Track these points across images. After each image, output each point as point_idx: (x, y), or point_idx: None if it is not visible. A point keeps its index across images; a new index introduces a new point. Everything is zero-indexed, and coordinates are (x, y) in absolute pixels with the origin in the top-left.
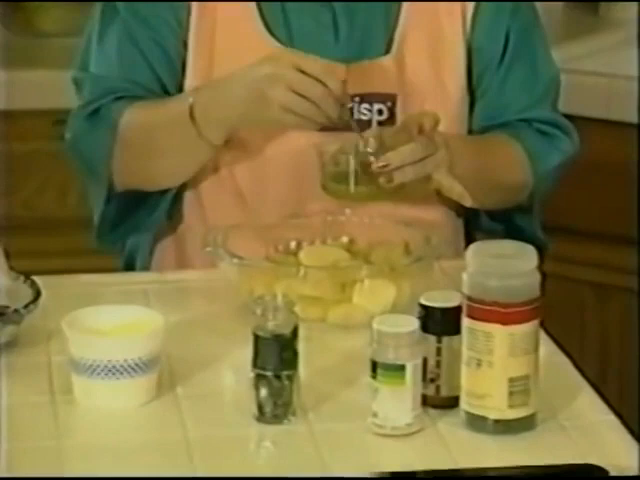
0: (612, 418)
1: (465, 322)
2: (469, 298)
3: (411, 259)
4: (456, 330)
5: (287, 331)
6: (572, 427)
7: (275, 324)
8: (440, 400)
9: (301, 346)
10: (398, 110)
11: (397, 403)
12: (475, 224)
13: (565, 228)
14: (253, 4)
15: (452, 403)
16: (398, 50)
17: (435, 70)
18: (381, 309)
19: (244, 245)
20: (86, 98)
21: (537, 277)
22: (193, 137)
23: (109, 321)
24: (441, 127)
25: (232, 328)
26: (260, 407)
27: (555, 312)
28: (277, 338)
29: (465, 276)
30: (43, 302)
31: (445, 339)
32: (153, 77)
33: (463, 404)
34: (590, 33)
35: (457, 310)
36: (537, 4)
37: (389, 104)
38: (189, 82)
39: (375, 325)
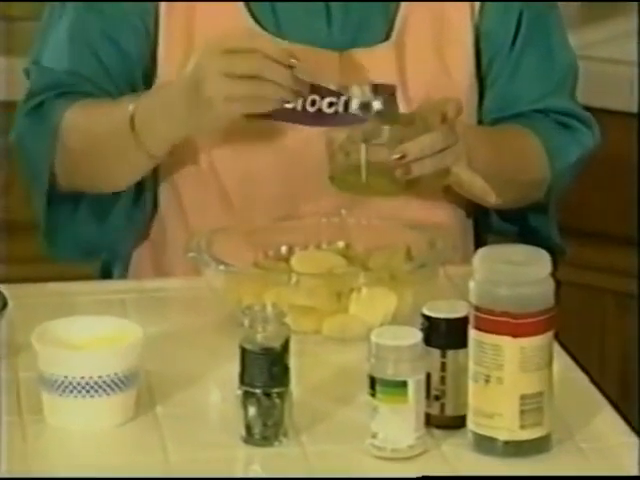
0: (634, 440)
1: (472, 334)
2: (477, 308)
3: (413, 265)
4: (462, 343)
5: (277, 344)
6: (590, 449)
7: (264, 336)
8: (445, 420)
9: (293, 361)
10: (399, 100)
11: (398, 423)
12: (485, 225)
13: (582, 231)
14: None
15: (458, 423)
16: (398, 37)
17: (440, 58)
18: (380, 320)
19: (231, 250)
20: (30, 90)
21: (551, 285)
22: (133, 148)
23: (83, 334)
24: None
25: (217, 341)
26: (248, 428)
27: (572, 323)
28: (267, 352)
29: (472, 284)
30: (10, 313)
31: (450, 353)
32: (103, 72)
33: (470, 424)
34: (608, 18)
35: (463, 321)
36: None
37: (387, 95)
38: (166, 79)
39: (374, 338)
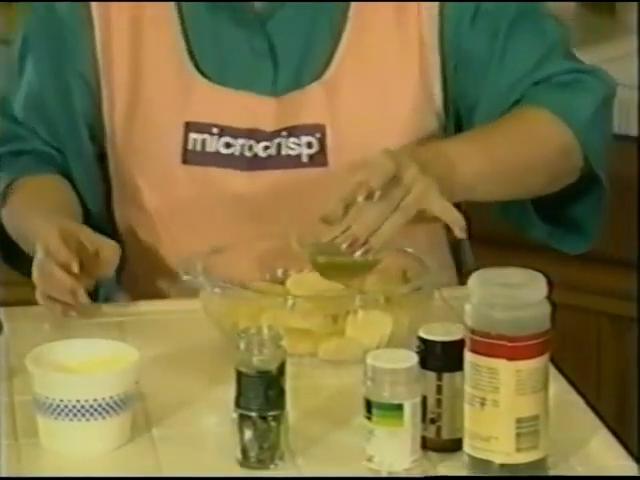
0: (630, 464)
1: (468, 357)
2: (472, 331)
3: (409, 288)
4: (458, 366)
5: (273, 367)
6: (586, 473)
7: (260, 359)
8: (441, 443)
9: (289, 384)
10: (329, 141)
11: (394, 446)
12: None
13: (579, 254)
14: (180, 38)
15: (454, 446)
16: (332, 76)
17: (378, 95)
18: (376, 343)
19: (228, 271)
20: None
21: (547, 308)
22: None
23: (78, 357)
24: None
25: (213, 364)
26: (244, 451)
27: (568, 346)
28: (262, 375)
29: (468, 306)
30: (5, 336)
31: (446, 376)
32: (51, 131)
33: (466, 447)
34: (606, 39)
35: (459, 344)
36: (547, 4)
37: (318, 135)
38: (117, 128)
39: (370, 360)
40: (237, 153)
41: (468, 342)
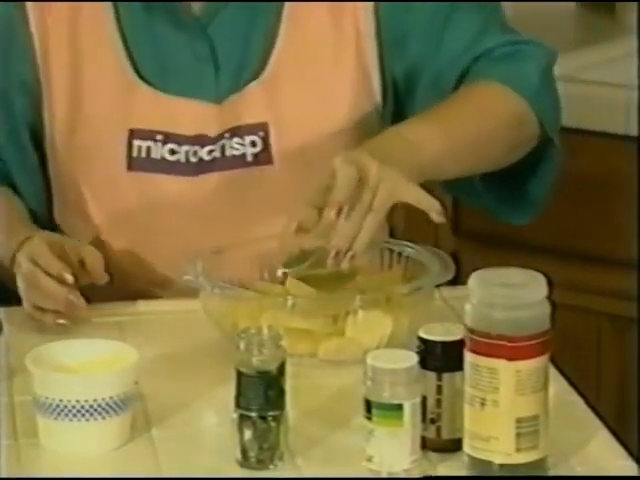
0: (631, 464)
1: (468, 357)
2: (472, 331)
3: (409, 288)
4: (458, 366)
5: (273, 367)
6: (586, 473)
7: (260, 360)
8: (441, 443)
9: (289, 384)
10: (272, 139)
11: (394, 446)
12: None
13: (579, 254)
14: (119, 44)
15: (454, 446)
16: (270, 75)
17: (317, 88)
18: (376, 343)
19: (228, 271)
20: None
21: (547, 308)
22: (9, 272)
23: (78, 357)
24: (329, 148)
25: (213, 364)
26: (244, 451)
27: (568, 346)
28: (262, 375)
29: (468, 307)
30: (5, 336)
31: (446, 376)
32: None
33: (466, 447)
34: (606, 39)
35: (459, 344)
36: (548, 5)
37: (261, 134)
38: (58, 135)
39: (369, 360)
40: (182, 159)
41: (468, 342)
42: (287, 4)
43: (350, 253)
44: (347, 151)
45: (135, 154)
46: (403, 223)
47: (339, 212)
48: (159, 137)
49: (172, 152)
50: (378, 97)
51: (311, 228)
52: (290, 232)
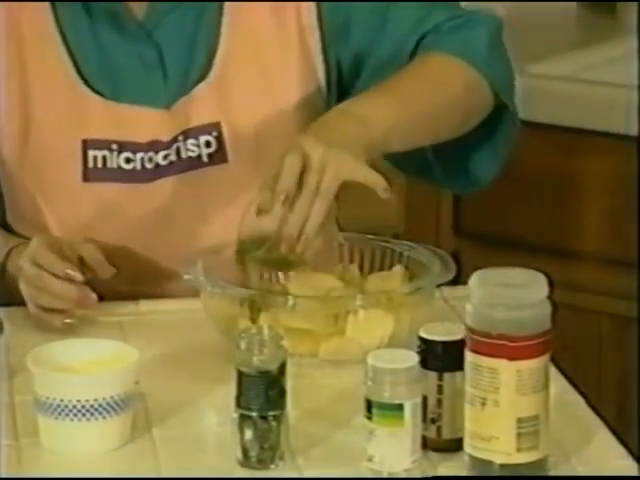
0: (631, 463)
1: (469, 357)
2: (473, 331)
3: (410, 288)
4: (459, 366)
5: (274, 367)
6: (587, 473)
7: (261, 359)
8: (442, 443)
9: (289, 384)
10: (226, 137)
11: (395, 446)
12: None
13: (579, 253)
14: (64, 54)
15: (455, 446)
16: (217, 75)
17: (264, 83)
18: (377, 343)
19: (229, 271)
20: None
21: (548, 308)
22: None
23: (79, 357)
24: (281, 141)
25: (214, 364)
26: (244, 451)
27: (569, 346)
28: (263, 375)
29: (469, 307)
30: (6, 336)
31: (447, 376)
32: None
33: (467, 447)
34: (606, 39)
35: (460, 344)
36: (549, 5)
37: (215, 134)
38: (9, 148)
39: (370, 360)
40: (138, 167)
41: (469, 342)
42: (227, 4)
43: (302, 239)
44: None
45: (91, 164)
46: (404, 223)
47: (287, 199)
48: (114, 146)
49: (128, 160)
50: (324, 88)
51: (269, 209)
52: (250, 215)
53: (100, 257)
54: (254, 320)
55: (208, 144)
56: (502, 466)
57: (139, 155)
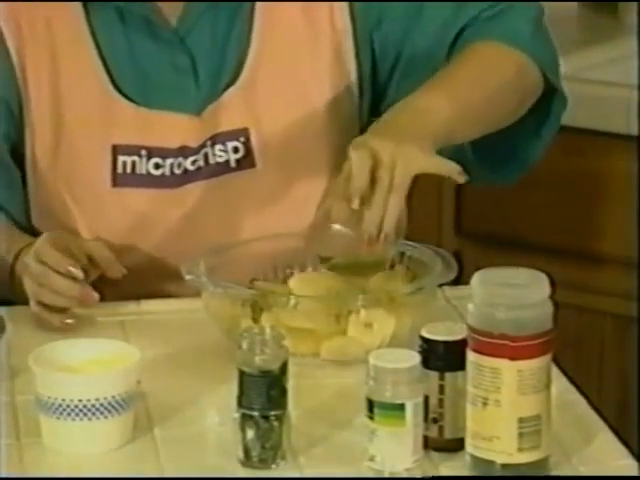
0: (632, 463)
1: (470, 357)
2: (475, 330)
3: (411, 288)
4: (460, 366)
5: (276, 367)
6: (588, 473)
7: (262, 359)
8: (443, 442)
9: (291, 383)
10: (254, 143)
11: (396, 446)
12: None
13: (581, 253)
14: (97, 59)
15: (456, 446)
16: (246, 79)
17: (295, 88)
18: (379, 342)
19: (230, 271)
20: None
21: (549, 308)
22: (8, 285)
23: (80, 356)
24: (310, 146)
25: (215, 363)
26: (246, 450)
27: (570, 346)
28: (265, 375)
29: (471, 306)
30: (8, 336)
31: (448, 375)
32: None
33: (468, 447)
34: (608, 39)
35: (462, 344)
36: (550, 5)
37: (242, 139)
38: (40, 153)
39: (372, 360)
40: (167, 172)
41: (470, 342)
42: (258, 5)
43: (381, 236)
44: (357, 137)
45: (120, 170)
46: (405, 223)
47: (363, 199)
48: (143, 152)
49: (157, 166)
50: (355, 90)
51: (344, 220)
52: (324, 224)
53: (110, 256)
54: (256, 320)
55: (236, 150)
56: (503, 466)
57: (168, 161)
